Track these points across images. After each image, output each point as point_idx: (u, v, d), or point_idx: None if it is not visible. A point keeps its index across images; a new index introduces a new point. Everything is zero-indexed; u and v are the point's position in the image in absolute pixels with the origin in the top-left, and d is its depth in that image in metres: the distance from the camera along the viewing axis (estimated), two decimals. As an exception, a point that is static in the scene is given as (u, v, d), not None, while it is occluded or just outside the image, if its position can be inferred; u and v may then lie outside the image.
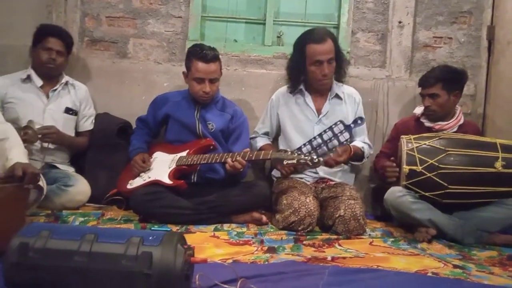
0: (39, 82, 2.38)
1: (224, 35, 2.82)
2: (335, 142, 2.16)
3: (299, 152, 2.01)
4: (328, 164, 2.20)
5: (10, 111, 2.28)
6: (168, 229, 1.99)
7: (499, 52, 2.67)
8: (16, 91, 2.34)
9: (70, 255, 1.10)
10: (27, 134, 2.10)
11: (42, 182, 1.72)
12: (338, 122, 2.18)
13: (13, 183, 1.47)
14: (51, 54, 2.35)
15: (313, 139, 2.19)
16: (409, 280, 1.52)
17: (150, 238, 1.14)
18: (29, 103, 2.34)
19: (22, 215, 1.52)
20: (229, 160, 2.08)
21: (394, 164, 2.20)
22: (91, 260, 1.10)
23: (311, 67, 2.28)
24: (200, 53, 2.20)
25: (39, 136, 2.21)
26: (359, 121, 2.23)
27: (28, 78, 2.38)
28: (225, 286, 1.28)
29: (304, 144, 2.19)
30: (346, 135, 2.17)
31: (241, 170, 2.10)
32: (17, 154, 1.64)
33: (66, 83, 2.46)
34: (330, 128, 2.18)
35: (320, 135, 2.19)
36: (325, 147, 2.15)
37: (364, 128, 2.42)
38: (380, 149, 2.54)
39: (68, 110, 2.42)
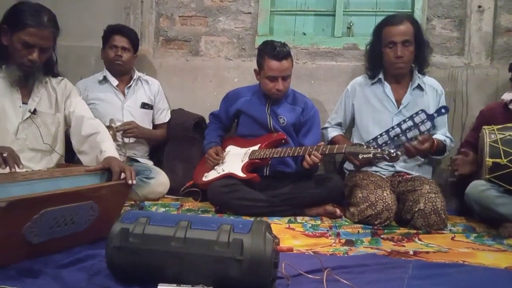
0: (114, 81, 2.54)
1: (292, 28, 2.83)
2: (415, 131, 2.06)
3: (375, 146, 1.97)
4: (409, 152, 2.12)
5: (92, 111, 2.42)
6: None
7: None
8: (96, 92, 2.51)
9: (167, 240, 1.17)
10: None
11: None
12: (420, 111, 2.08)
13: (117, 180, 1.59)
14: (117, 51, 2.49)
15: (390, 129, 2.10)
16: (499, 276, 1.44)
17: (240, 225, 1.18)
18: (108, 102, 2.50)
19: (121, 207, 1.64)
20: (307, 157, 2.07)
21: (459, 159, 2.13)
22: (186, 245, 1.16)
23: (386, 49, 2.23)
24: (272, 51, 2.20)
25: (121, 132, 2.36)
26: (442, 110, 2.11)
27: (105, 79, 2.55)
28: (310, 276, 1.29)
29: (381, 134, 2.11)
30: (428, 124, 2.06)
31: (319, 164, 2.09)
32: (109, 147, 1.77)
33: (139, 79, 2.60)
34: (411, 118, 2.08)
35: (399, 124, 2.09)
36: (403, 137, 2.06)
37: (445, 121, 2.33)
38: (465, 138, 2.42)
39: (144, 105, 2.57)
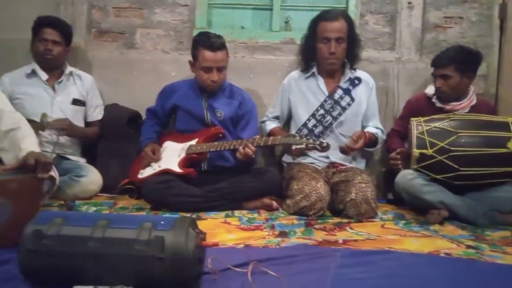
0: (44, 75, 2.40)
1: (231, 22, 2.80)
2: (337, 108, 2.13)
3: (308, 137, 2.00)
4: (344, 152, 2.21)
5: (18, 107, 2.25)
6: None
7: (511, 31, 2.61)
8: (23, 87, 2.36)
9: (83, 241, 1.12)
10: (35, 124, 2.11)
11: (54, 173, 1.74)
12: (336, 87, 2.15)
13: (27, 174, 1.49)
14: (46, 45, 2.35)
15: (315, 111, 2.16)
16: (421, 260, 1.52)
17: (162, 222, 1.16)
18: (36, 97, 2.36)
19: (37, 206, 1.54)
20: (240, 148, 2.08)
21: (398, 156, 2.21)
22: (105, 245, 1.11)
23: (320, 44, 2.27)
24: (207, 41, 2.19)
25: (54, 130, 2.24)
26: (356, 81, 2.21)
27: (33, 73, 2.41)
28: (237, 269, 1.29)
29: (308, 119, 2.16)
30: (347, 98, 2.14)
31: (253, 156, 2.09)
32: (29, 143, 1.66)
33: (71, 74, 2.47)
34: (330, 97, 2.15)
35: (322, 105, 2.15)
36: (329, 116, 2.11)
37: (376, 112, 2.41)
38: (392, 127, 2.51)
39: (75, 102, 2.44)
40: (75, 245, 1.12)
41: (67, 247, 1.12)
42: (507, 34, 2.62)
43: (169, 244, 1.10)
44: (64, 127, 2.27)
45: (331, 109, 2.17)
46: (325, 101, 2.17)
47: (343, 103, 2.16)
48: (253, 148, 2.06)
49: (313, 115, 2.19)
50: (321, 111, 2.18)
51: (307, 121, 2.20)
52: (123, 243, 1.11)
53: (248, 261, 1.31)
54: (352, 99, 2.21)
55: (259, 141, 2.08)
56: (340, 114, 2.17)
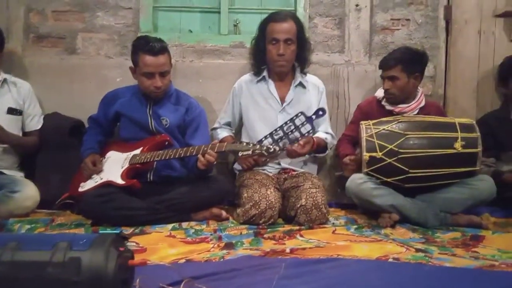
0: None
1: (178, 25, 2.72)
2: (297, 134, 2.10)
3: (255, 143, 1.94)
4: (290, 155, 2.16)
5: None
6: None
7: (456, 32, 2.66)
8: None
9: (-11, 266, 1.00)
10: None
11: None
12: (299, 114, 2.13)
13: None
14: None
15: (274, 132, 2.13)
16: (369, 267, 1.47)
17: (80, 242, 1.05)
18: None
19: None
20: (200, 156, 1.97)
21: (353, 162, 2.20)
22: (14, 269, 0.99)
23: (269, 46, 2.22)
24: (146, 45, 2.08)
25: None
26: (320, 112, 2.18)
27: None
28: (171, 288, 1.19)
29: (265, 137, 2.12)
30: (308, 126, 2.12)
31: (215, 163, 2.00)
32: None
33: (5, 81, 2.32)
34: (291, 120, 2.13)
35: (281, 127, 2.13)
36: (286, 140, 2.08)
37: (326, 117, 2.37)
38: (344, 132, 2.49)
39: (11, 111, 2.30)
40: (-20, 271, 1.00)
41: (-30, 274, 0.99)
42: (452, 35, 2.67)
43: (86, 265, 1.00)
44: None
45: (289, 133, 2.12)
46: (285, 123, 2.14)
47: (303, 131, 2.12)
48: (214, 153, 1.95)
49: (271, 134, 2.14)
50: (280, 133, 2.13)
51: (264, 139, 2.14)
52: (34, 266, 1.00)
53: (183, 279, 1.22)
54: (313, 128, 2.18)
55: (205, 148, 1.99)
56: (297, 140, 2.11)
